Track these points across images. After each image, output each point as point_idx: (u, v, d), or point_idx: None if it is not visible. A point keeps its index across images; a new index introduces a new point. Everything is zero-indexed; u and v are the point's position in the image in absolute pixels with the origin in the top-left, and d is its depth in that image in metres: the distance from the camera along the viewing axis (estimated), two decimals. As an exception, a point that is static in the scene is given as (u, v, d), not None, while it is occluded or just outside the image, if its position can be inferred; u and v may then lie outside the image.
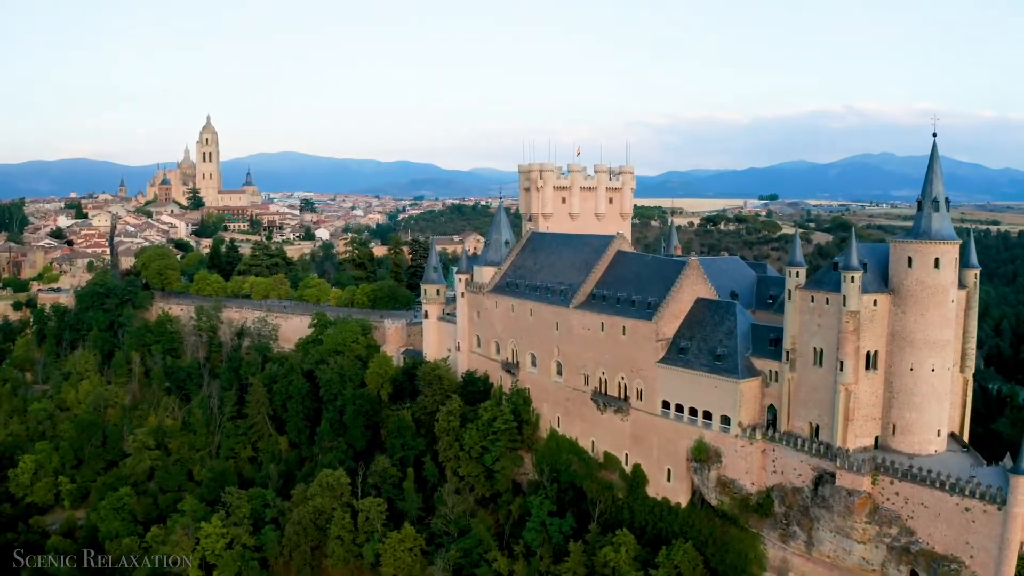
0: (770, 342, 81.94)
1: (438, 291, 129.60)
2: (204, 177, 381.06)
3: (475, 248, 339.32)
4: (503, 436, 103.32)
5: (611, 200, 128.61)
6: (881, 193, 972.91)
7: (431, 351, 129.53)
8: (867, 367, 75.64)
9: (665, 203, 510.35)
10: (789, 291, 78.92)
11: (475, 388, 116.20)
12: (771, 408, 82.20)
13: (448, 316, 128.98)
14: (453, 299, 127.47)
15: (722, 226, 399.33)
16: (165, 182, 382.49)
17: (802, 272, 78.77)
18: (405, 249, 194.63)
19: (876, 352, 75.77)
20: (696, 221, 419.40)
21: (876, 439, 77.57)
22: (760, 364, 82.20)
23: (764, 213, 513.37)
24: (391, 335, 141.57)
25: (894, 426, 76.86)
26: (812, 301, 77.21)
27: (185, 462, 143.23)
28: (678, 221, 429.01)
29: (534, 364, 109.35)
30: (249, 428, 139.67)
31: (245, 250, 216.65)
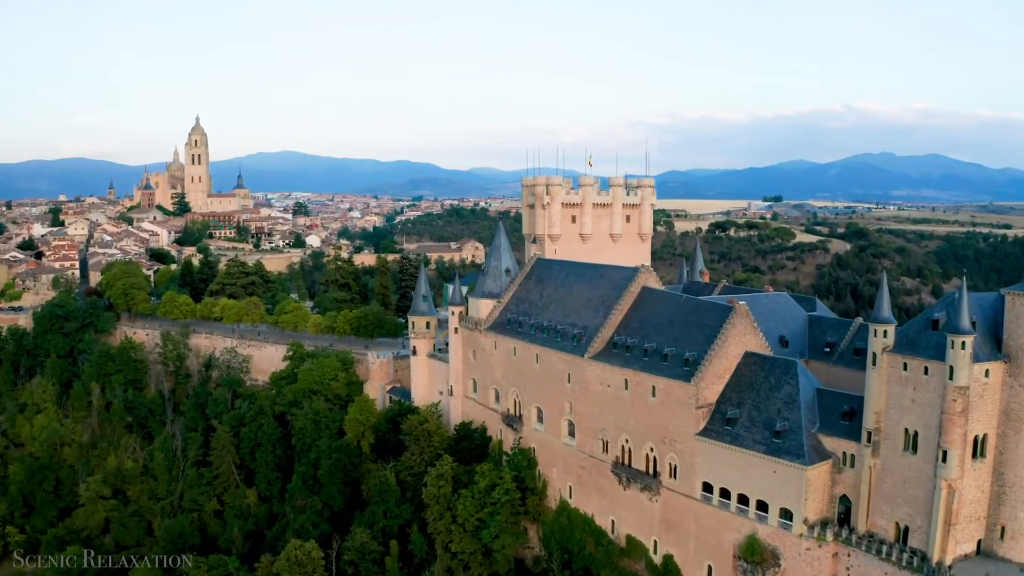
0: (843, 415, 64.73)
1: (428, 324, 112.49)
2: (193, 180, 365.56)
3: (473, 256, 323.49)
4: (503, 509, 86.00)
5: (628, 218, 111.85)
6: (882, 193, 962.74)
7: (420, 393, 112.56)
8: (974, 455, 58.80)
9: (667, 204, 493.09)
10: (874, 354, 61.44)
11: (470, 443, 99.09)
12: (843, 499, 65.13)
13: (440, 353, 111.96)
14: (448, 321, 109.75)
15: (731, 232, 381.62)
16: (149, 187, 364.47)
17: (890, 331, 61.17)
18: (396, 256, 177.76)
19: (985, 436, 58.93)
20: (704, 226, 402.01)
21: (979, 543, 60.93)
22: (830, 444, 64.86)
23: (769, 216, 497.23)
24: (376, 370, 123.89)
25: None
26: (905, 369, 59.85)
27: (144, 513, 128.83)
28: (682, 225, 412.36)
29: (540, 420, 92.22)
30: (214, 478, 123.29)
31: (225, 264, 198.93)
